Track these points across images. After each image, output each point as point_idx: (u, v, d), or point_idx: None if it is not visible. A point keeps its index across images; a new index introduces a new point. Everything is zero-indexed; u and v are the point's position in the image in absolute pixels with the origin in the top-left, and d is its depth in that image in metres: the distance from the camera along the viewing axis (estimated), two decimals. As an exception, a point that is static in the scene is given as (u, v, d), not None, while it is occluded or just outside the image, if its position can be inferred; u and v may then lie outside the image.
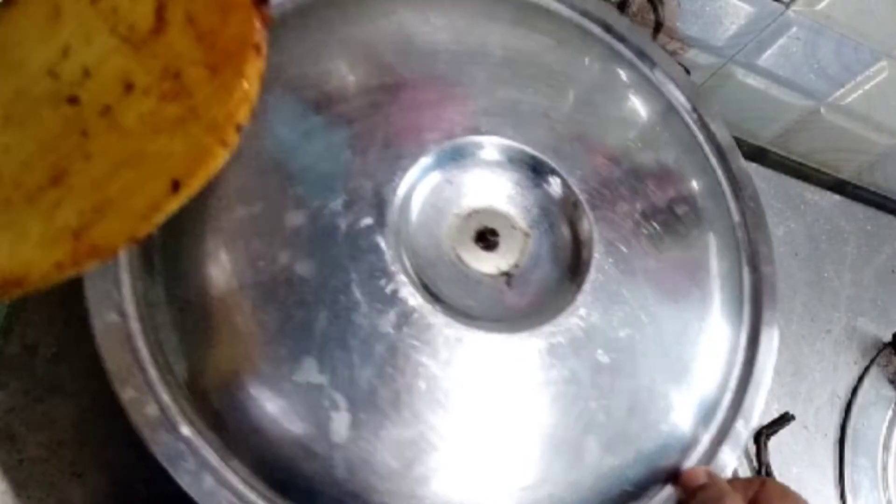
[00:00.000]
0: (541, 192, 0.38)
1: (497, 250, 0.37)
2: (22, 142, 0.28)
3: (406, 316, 0.33)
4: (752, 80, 0.67)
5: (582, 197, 0.38)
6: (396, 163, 0.35)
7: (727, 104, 0.69)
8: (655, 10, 0.58)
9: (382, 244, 0.34)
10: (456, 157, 0.37)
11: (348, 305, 0.32)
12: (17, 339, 0.42)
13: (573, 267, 0.37)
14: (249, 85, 0.27)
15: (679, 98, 0.46)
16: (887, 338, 0.67)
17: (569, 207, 0.38)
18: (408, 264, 0.34)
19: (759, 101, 0.69)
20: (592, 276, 0.37)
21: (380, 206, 0.34)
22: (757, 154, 0.74)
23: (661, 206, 0.40)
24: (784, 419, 0.56)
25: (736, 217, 0.43)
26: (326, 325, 0.32)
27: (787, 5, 0.59)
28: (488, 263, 0.37)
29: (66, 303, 0.43)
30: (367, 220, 0.34)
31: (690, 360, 0.38)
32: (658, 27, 0.58)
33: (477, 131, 0.37)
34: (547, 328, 0.35)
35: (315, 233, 0.33)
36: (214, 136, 0.27)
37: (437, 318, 0.33)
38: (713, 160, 0.45)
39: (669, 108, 0.45)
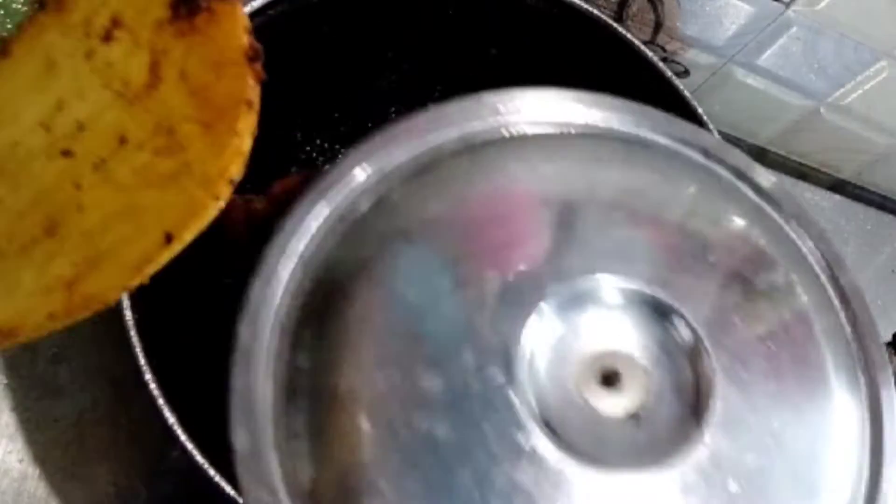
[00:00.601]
0: (658, 328, 0.39)
1: (622, 391, 0.38)
2: (15, 193, 0.28)
3: (543, 469, 0.34)
4: (752, 80, 0.67)
5: (700, 328, 0.39)
6: (518, 315, 0.36)
7: (727, 104, 0.69)
8: (655, 9, 0.58)
9: (514, 399, 0.34)
10: (573, 301, 0.38)
11: (487, 465, 0.33)
12: (17, 339, 0.42)
13: (696, 399, 0.39)
14: (242, 140, 0.27)
15: (780, 220, 0.47)
16: (887, 338, 0.67)
17: (687, 340, 0.39)
18: (540, 417, 0.36)
19: (759, 101, 0.69)
20: (716, 406, 0.38)
21: (507, 360, 0.35)
22: (757, 154, 0.74)
23: (777, 327, 0.41)
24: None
25: (847, 328, 0.44)
26: (467, 487, 0.33)
27: (787, 5, 0.59)
28: (615, 405, 0.38)
29: (66, 303, 0.43)
30: (497, 377, 0.35)
31: (819, 477, 0.40)
32: (658, 27, 0.58)
33: (591, 272, 0.38)
34: (677, 464, 0.36)
35: (449, 394, 0.34)
36: (207, 190, 0.27)
37: (572, 469, 0.34)
38: (821, 275, 0.46)
39: (775, 226, 0.46)
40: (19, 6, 0.54)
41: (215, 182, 0.27)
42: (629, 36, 0.52)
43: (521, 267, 0.38)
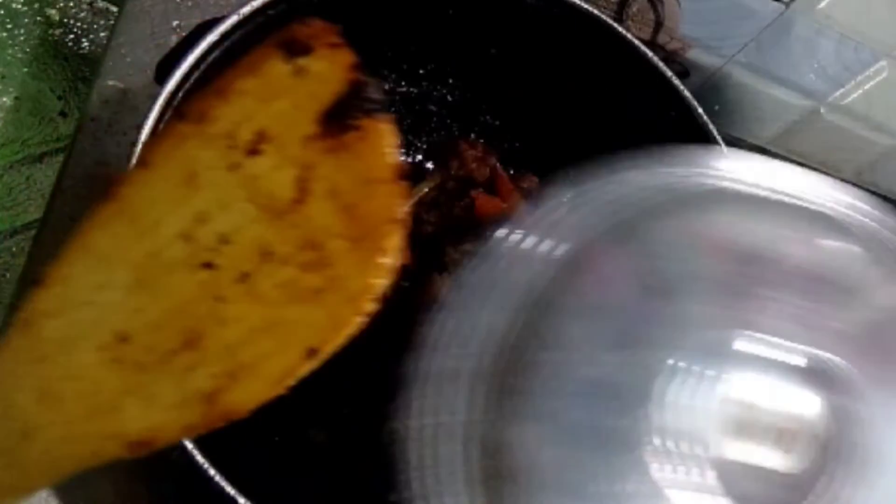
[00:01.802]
0: (802, 394, 0.39)
1: (754, 446, 0.38)
2: (154, 305, 0.27)
3: None
4: (752, 80, 0.67)
5: (838, 412, 0.38)
6: (659, 362, 0.36)
7: (727, 104, 0.69)
8: (655, 9, 0.58)
9: (651, 446, 0.34)
10: (721, 352, 0.37)
11: None
12: (17, 339, 0.42)
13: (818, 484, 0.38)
14: (390, 258, 0.27)
15: None
16: (887, 338, 0.67)
17: (830, 404, 0.39)
18: (670, 467, 0.35)
19: (759, 101, 0.69)
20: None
21: (643, 404, 0.35)
22: (757, 154, 0.74)
23: None
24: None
25: None
26: None
27: (787, 5, 0.59)
28: (746, 462, 0.38)
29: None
30: (632, 421, 0.35)
31: None
32: (658, 27, 0.59)
33: (746, 327, 0.38)
34: None
35: (585, 432, 0.34)
36: (352, 306, 0.27)
37: None
38: None
39: None
40: (20, 6, 0.54)
41: (361, 299, 0.27)
42: (629, 36, 0.52)
43: (673, 310, 0.36)
